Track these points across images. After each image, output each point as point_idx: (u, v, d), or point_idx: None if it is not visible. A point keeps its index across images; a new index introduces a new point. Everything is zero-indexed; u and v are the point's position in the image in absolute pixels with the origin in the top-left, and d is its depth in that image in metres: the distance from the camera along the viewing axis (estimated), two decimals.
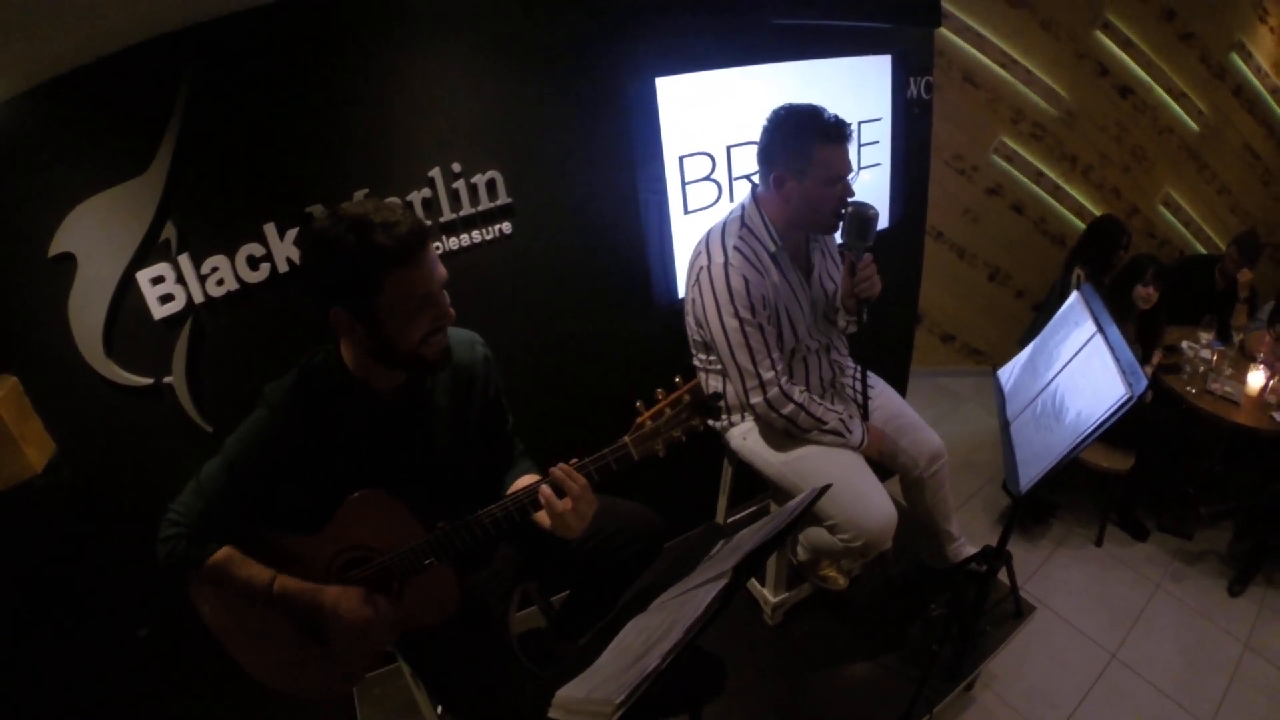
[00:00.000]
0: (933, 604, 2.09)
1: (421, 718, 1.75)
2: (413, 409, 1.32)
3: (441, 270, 1.19)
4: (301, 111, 1.63)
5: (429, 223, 1.78)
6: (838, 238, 1.85)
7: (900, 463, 1.96)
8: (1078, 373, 1.54)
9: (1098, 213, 3.83)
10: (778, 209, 1.71)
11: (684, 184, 2.17)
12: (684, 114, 2.08)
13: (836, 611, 2.17)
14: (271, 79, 1.58)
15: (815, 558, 2.05)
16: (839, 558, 2.06)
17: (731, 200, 2.25)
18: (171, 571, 1.22)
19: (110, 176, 1.49)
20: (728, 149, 2.19)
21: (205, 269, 1.61)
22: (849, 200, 1.67)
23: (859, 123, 2.45)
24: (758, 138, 1.69)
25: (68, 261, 1.50)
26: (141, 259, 1.55)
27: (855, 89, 2.46)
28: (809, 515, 1.45)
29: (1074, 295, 1.79)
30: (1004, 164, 3.78)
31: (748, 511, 2.48)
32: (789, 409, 1.73)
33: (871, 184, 2.59)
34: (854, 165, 1.68)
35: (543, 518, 1.30)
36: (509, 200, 1.90)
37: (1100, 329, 1.53)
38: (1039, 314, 3.17)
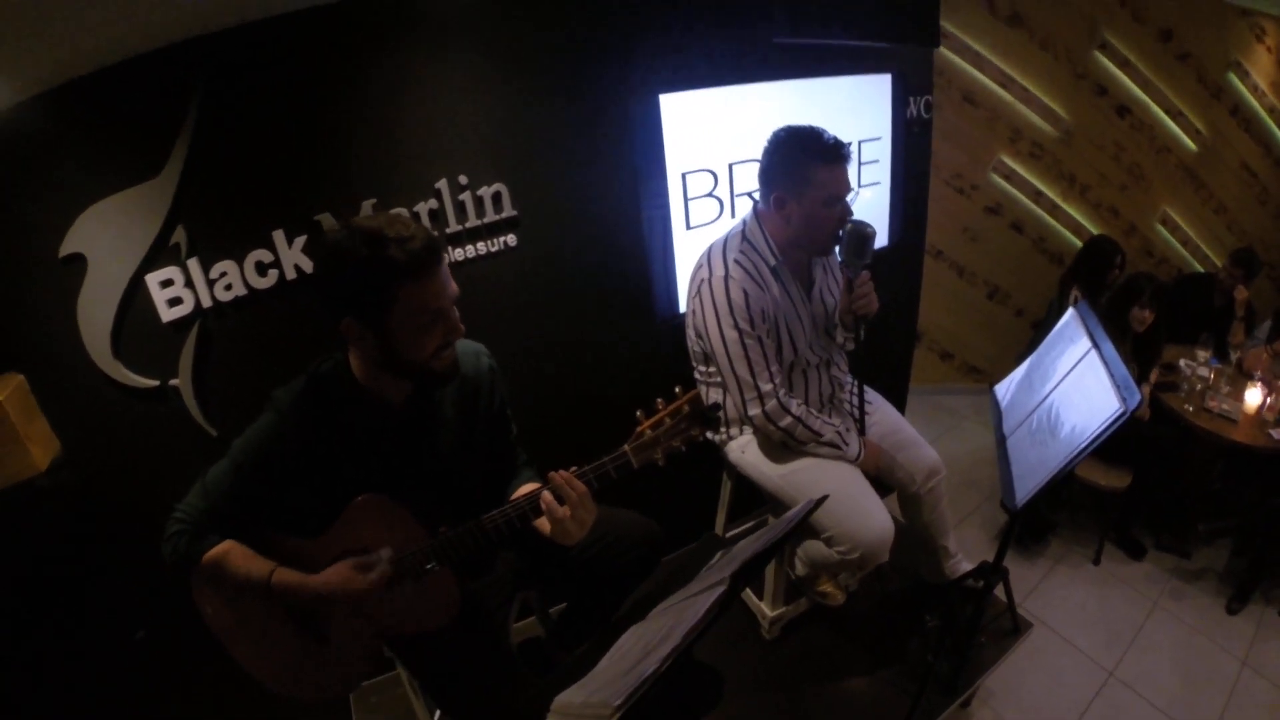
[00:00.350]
0: (929, 615, 2.09)
1: None
2: (420, 419, 1.33)
3: (453, 286, 1.20)
4: (311, 121, 1.66)
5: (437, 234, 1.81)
6: (836, 255, 1.88)
7: (898, 478, 1.97)
8: (1072, 388, 1.55)
9: (1096, 231, 3.87)
10: (778, 228, 1.73)
11: (686, 200, 2.19)
12: (687, 130, 2.11)
13: (833, 626, 2.16)
14: (283, 89, 1.62)
15: (813, 572, 2.05)
16: (836, 571, 2.07)
17: (733, 217, 2.27)
18: (176, 569, 1.23)
19: (123, 180, 1.52)
20: (730, 166, 2.22)
21: (214, 273, 1.63)
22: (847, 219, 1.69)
23: (859, 141, 2.48)
24: (759, 156, 1.71)
25: (78, 262, 1.52)
26: (151, 262, 1.58)
27: (855, 108, 2.49)
28: (806, 527, 1.45)
29: (1070, 312, 1.81)
30: (1003, 183, 3.81)
31: (746, 525, 2.48)
32: (786, 421, 1.74)
33: (871, 202, 2.62)
34: (854, 185, 1.70)
35: (543, 524, 1.31)
36: (514, 212, 1.93)
37: (1095, 345, 1.55)
38: (1037, 332, 3.18)
